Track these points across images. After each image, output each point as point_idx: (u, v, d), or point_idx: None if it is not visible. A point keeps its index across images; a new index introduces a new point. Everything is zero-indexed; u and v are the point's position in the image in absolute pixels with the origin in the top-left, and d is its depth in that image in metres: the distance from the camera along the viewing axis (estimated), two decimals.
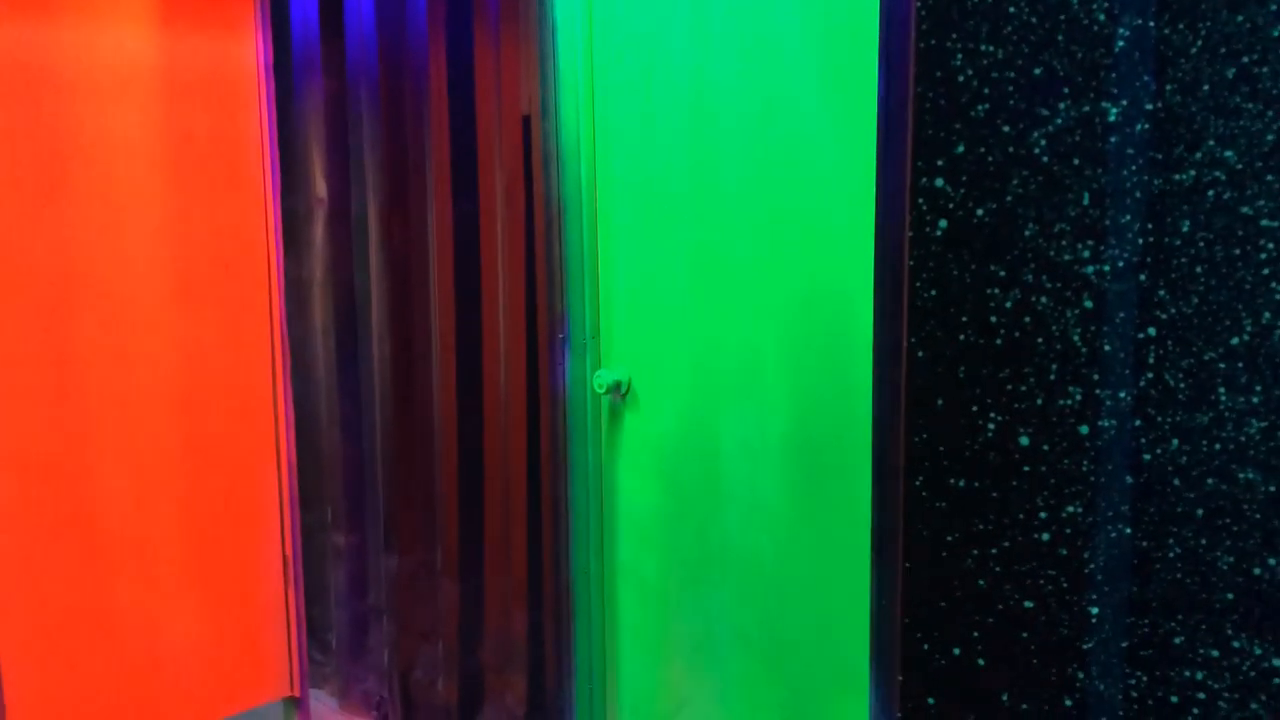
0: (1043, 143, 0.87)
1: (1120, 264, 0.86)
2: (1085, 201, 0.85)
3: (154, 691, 2.12)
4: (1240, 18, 0.82)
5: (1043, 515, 0.87)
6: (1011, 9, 0.87)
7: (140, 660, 2.09)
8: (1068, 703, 0.89)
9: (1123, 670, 0.88)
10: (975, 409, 0.90)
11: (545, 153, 2.01)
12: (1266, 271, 0.82)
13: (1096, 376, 0.85)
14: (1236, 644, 0.84)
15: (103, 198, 2.02)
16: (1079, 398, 0.86)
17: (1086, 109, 0.85)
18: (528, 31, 2.03)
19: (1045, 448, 0.87)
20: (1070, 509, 0.87)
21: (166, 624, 2.12)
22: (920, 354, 0.91)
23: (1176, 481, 0.86)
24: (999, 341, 0.89)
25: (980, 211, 0.89)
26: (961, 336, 0.90)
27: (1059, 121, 0.86)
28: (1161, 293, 0.85)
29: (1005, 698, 0.91)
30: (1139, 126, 0.85)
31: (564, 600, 2.07)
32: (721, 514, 1.84)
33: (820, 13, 1.54)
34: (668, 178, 1.81)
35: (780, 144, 1.62)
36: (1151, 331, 0.86)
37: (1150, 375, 0.86)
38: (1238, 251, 0.83)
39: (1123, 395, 0.86)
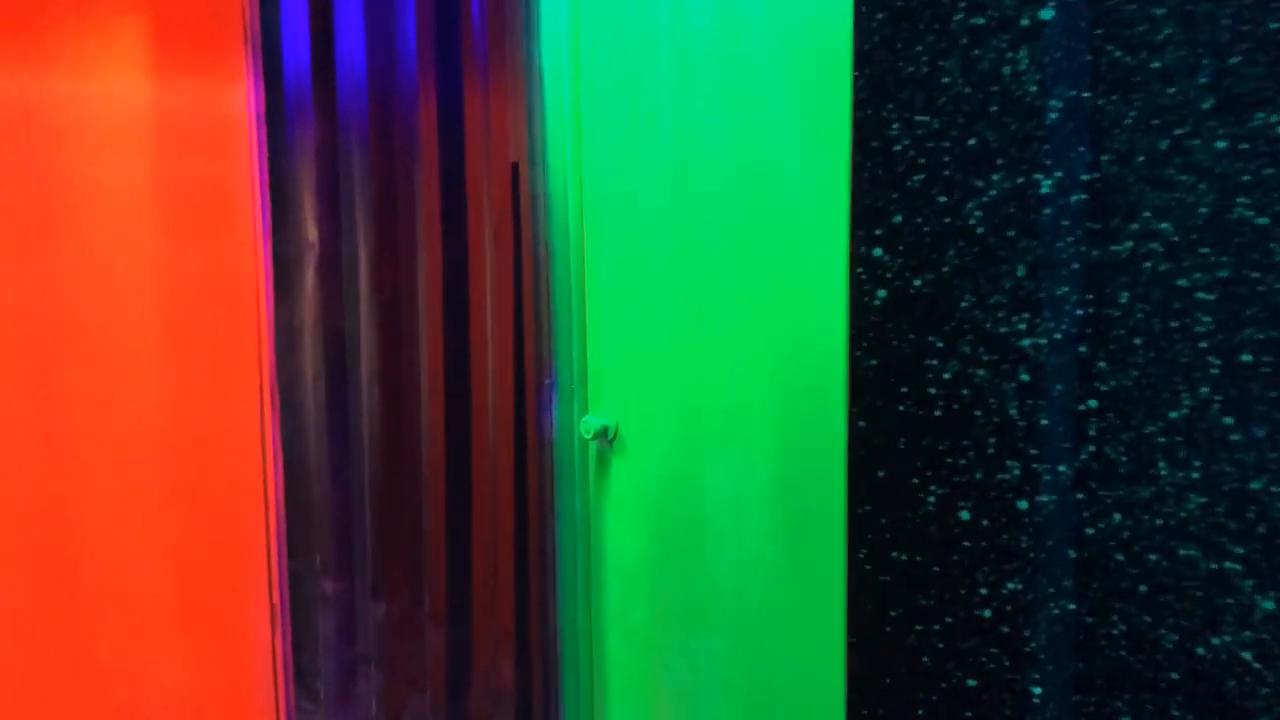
0: (978, 213, 0.86)
1: (1058, 335, 0.84)
2: (1020, 273, 0.84)
3: None
4: (1172, 89, 0.81)
5: (983, 591, 0.86)
6: (945, 79, 0.87)
7: (124, 710, 2.09)
8: None
9: None
10: (916, 481, 0.89)
11: (533, 198, 2.03)
12: (1204, 345, 0.80)
13: (1034, 451, 0.84)
14: None
15: (92, 243, 2.05)
16: (1017, 472, 0.84)
17: (1020, 180, 0.84)
18: (515, 78, 2.05)
19: (985, 522, 0.86)
20: (1011, 585, 0.85)
21: (151, 672, 2.12)
22: (861, 424, 0.90)
23: (1120, 556, 0.84)
24: (938, 413, 0.87)
25: (918, 281, 0.88)
26: (901, 407, 0.89)
27: (993, 193, 0.85)
28: (1101, 364, 0.84)
29: None
30: (1074, 197, 0.84)
31: (551, 648, 2.06)
32: (708, 561, 1.83)
33: (801, 70, 1.54)
34: (654, 224, 1.82)
35: (761, 198, 1.62)
36: (1093, 404, 0.84)
37: (1092, 448, 0.84)
38: (1175, 324, 0.81)
39: (1062, 469, 0.84)
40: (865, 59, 0.90)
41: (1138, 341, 0.83)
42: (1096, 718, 0.85)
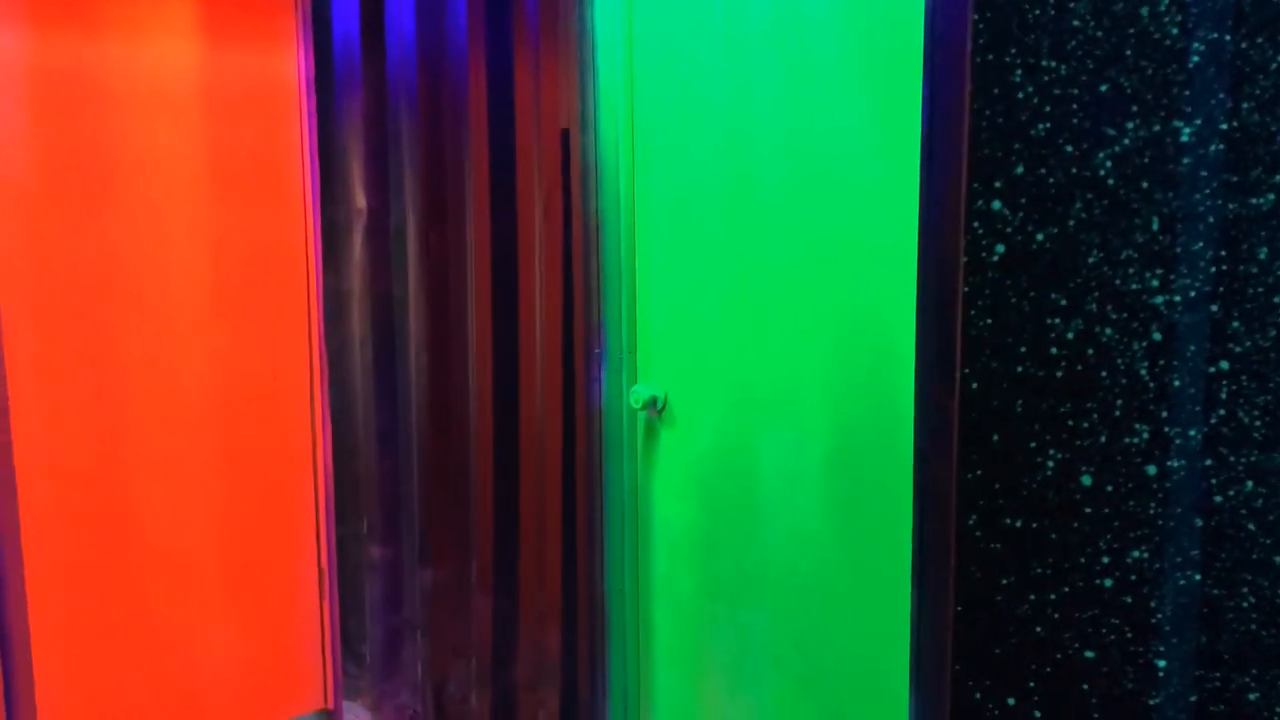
0: (1109, 164, 0.82)
1: (1191, 294, 0.80)
2: (1155, 227, 0.80)
3: (188, 703, 2.12)
4: None
5: (1105, 560, 0.82)
6: (1076, 22, 0.83)
7: (175, 672, 2.09)
8: None
9: None
10: (1034, 445, 0.85)
11: (584, 166, 1.99)
12: None
13: (1165, 413, 0.80)
14: None
15: (145, 209, 2.03)
16: (1146, 435, 0.81)
17: (1157, 129, 0.80)
18: (568, 45, 2.01)
19: (1109, 488, 0.82)
20: (1136, 554, 0.81)
21: (202, 635, 2.12)
22: (974, 385, 0.87)
23: (1251, 526, 0.80)
24: (1059, 374, 0.84)
25: (1040, 236, 0.84)
26: (1019, 368, 0.85)
27: (1126, 142, 0.81)
28: (1235, 324, 0.80)
29: None
30: (1213, 147, 0.80)
31: (598, 618, 2.04)
32: (759, 534, 1.80)
33: (861, 27, 1.49)
34: (707, 192, 1.78)
35: (820, 161, 1.58)
36: (1224, 365, 0.80)
37: (1223, 412, 0.80)
38: None
39: (1193, 433, 0.81)
40: (986, 2, 0.85)
41: (1277, 300, 0.79)
42: (1222, 693, 0.81)
